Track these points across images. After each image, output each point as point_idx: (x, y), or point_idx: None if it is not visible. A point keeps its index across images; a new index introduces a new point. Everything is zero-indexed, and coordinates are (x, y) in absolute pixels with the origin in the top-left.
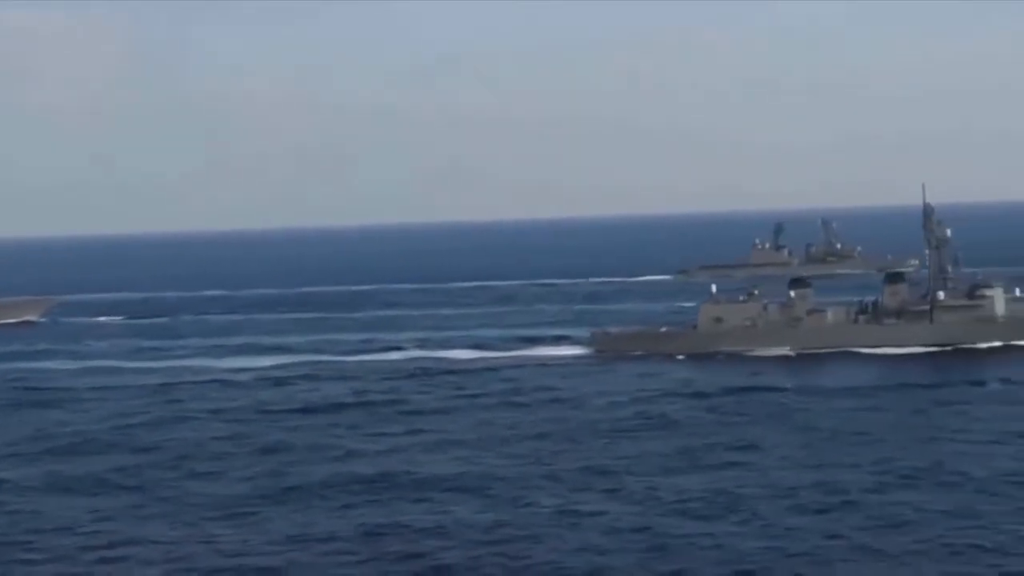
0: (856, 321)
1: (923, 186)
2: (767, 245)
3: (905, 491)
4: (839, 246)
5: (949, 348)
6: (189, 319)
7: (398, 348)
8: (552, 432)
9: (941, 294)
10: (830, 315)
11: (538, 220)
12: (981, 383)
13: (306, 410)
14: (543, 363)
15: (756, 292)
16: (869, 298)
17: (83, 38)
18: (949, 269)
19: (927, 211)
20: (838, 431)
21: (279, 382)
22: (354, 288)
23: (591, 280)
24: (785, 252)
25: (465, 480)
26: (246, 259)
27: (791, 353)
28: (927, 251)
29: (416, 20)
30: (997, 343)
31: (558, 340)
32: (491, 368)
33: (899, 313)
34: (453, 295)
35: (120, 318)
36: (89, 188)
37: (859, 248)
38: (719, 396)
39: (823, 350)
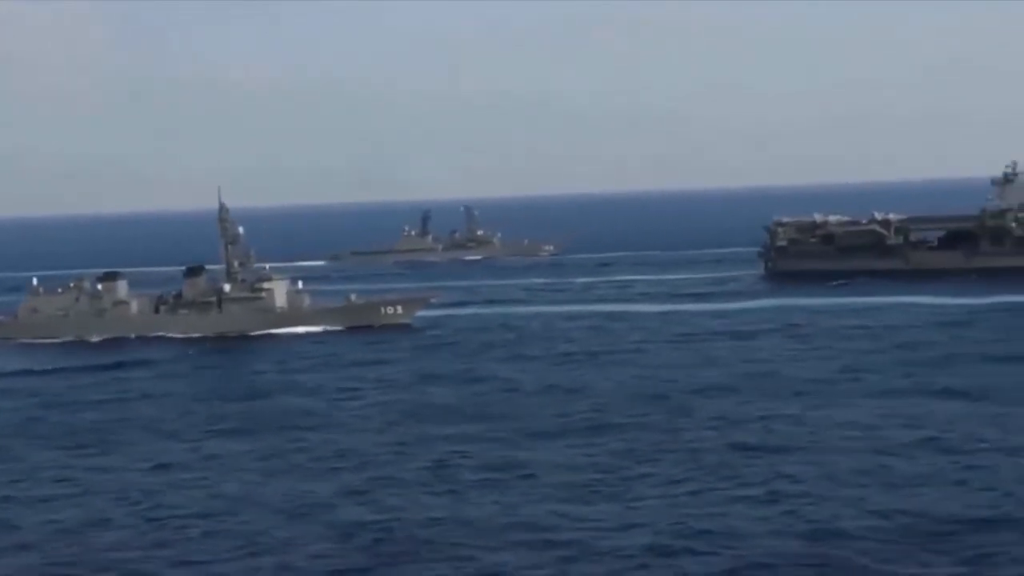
0: (158, 311)
1: (219, 189)
2: (414, 232)
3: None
4: (480, 232)
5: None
6: None
7: None
8: None
9: (227, 287)
10: (135, 305)
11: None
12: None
13: None
14: None
15: (74, 284)
16: (175, 290)
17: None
18: (237, 264)
19: (222, 211)
20: None
21: None
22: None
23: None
24: (430, 238)
25: None
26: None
27: (98, 340)
28: (222, 247)
29: None
30: (276, 330)
31: None
32: None
33: (193, 304)
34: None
35: None
36: None
37: (499, 235)
38: None
39: (130, 336)
